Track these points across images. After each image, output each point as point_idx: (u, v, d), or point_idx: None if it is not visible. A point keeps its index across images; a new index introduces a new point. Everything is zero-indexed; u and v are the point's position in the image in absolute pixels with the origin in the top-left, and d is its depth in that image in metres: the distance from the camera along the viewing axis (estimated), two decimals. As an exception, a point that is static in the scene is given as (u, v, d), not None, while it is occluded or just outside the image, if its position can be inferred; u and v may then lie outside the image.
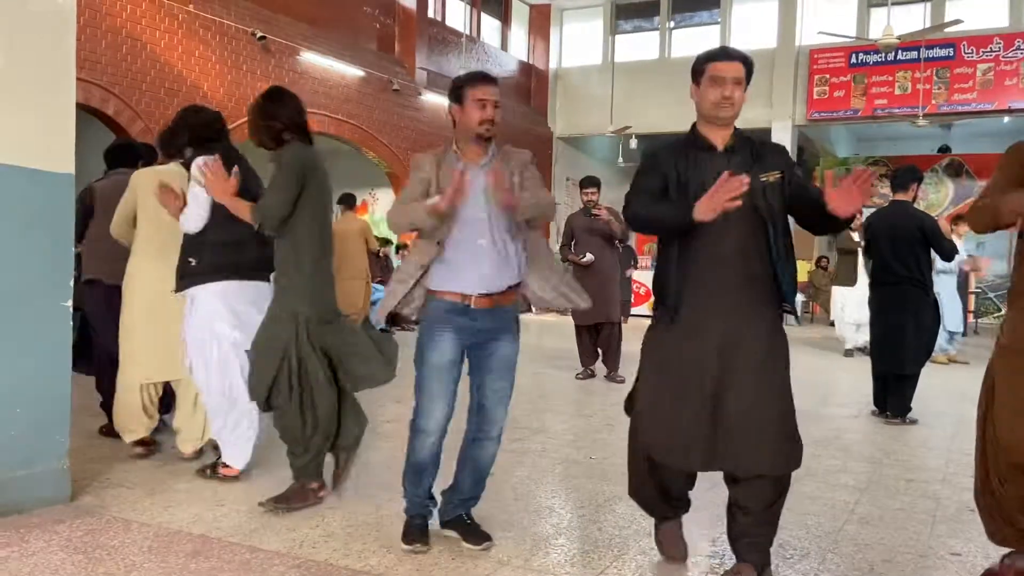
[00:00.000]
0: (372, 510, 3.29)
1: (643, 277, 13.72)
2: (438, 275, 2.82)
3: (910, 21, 13.57)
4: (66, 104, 3.28)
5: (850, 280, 9.39)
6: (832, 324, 11.54)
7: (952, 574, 2.84)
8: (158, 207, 3.72)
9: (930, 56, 14.12)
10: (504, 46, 16.91)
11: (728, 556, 2.89)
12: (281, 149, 3.32)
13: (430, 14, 14.48)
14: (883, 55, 14.19)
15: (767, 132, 15.08)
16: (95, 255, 4.32)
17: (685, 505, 2.86)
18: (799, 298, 14.83)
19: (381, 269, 11.69)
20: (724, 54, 2.62)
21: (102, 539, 2.89)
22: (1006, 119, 14.46)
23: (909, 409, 5.53)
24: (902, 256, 5.43)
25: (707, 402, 2.50)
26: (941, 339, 7.72)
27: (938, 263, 5.85)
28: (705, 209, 2.37)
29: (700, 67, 2.63)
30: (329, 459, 3.50)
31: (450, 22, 15.21)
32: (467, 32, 15.15)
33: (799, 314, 3.19)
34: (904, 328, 5.41)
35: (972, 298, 12.88)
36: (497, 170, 2.72)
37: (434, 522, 3.00)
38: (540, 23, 17.66)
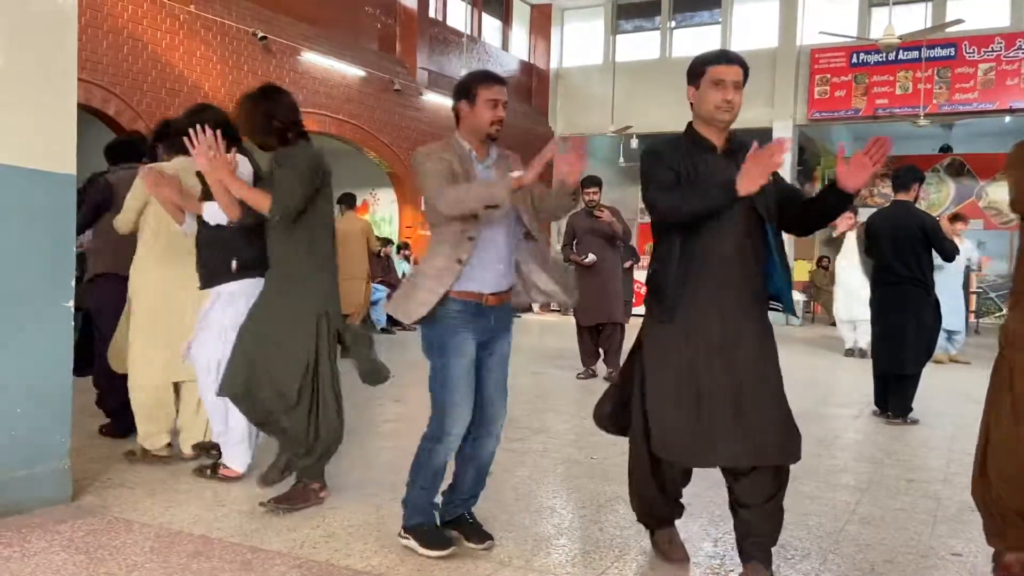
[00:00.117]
0: (373, 510, 3.29)
1: (644, 277, 13.65)
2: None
3: (911, 21, 13.57)
4: (67, 104, 3.28)
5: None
6: (833, 324, 11.56)
7: (953, 574, 2.83)
8: None
9: (931, 56, 14.12)
10: (505, 46, 16.91)
11: (728, 556, 2.90)
12: (287, 147, 3.28)
13: (431, 14, 14.49)
14: (884, 55, 14.19)
15: (768, 132, 15.08)
16: (109, 248, 4.23)
17: (681, 509, 2.88)
18: (800, 297, 14.85)
19: (382, 269, 11.70)
20: (724, 58, 2.63)
21: (103, 539, 2.89)
22: (1007, 119, 14.45)
23: (910, 409, 5.53)
24: (903, 256, 5.43)
25: (715, 399, 2.52)
26: (940, 338, 7.74)
27: (940, 262, 5.84)
28: (750, 181, 2.39)
29: (699, 70, 2.64)
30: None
31: (451, 22, 15.21)
32: (468, 32, 15.15)
33: (798, 313, 3.17)
34: (905, 328, 5.41)
35: (973, 298, 12.86)
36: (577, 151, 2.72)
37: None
38: (541, 23, 17.66)
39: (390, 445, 4.60)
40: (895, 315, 5.46)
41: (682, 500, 2.88)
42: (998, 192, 16.60)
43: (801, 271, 16.02)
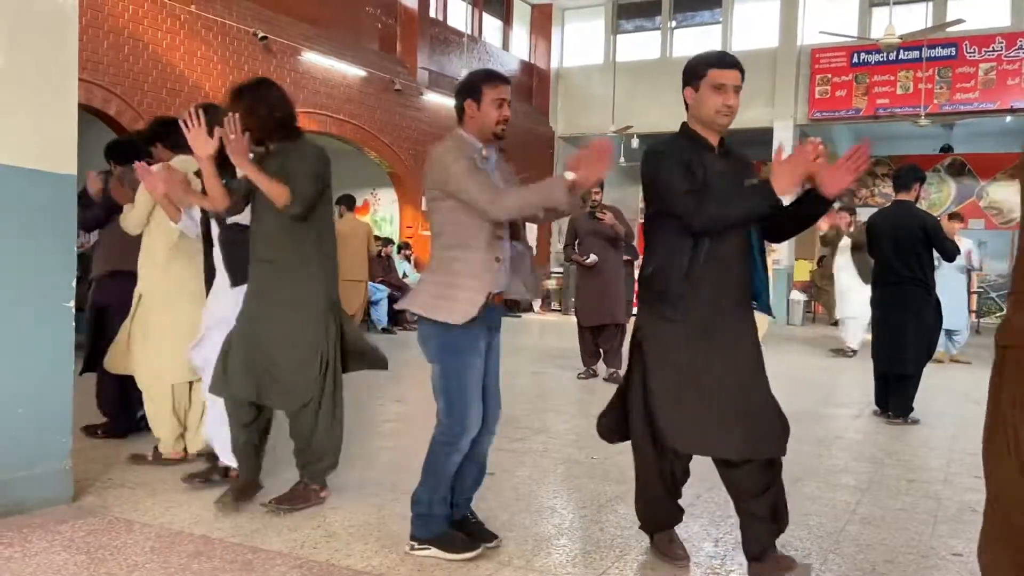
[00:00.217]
0: (374, 510, 3.30)
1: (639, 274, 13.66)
2: None
3: (912, 20, 13.55)
4: (68, 105, 3.28)
5: (865, 277, 9.44)
6: (835, 324, 11.56)
7: (954, 574, 2.84)
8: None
9: (932, 56, 14.10)
10: (506, 46, 16.91)
11: (729, 556, 2.90)
12: (289, 141, 3.24)
13: (432, 14, 14.48)
14: (885, 55, 14.17)
15: (769, 132, 15.08)
16: (118, 246, 4.20)
17: (681, 513, 2.89)
18: (801, 297, 14.86)
19: (383, 269, 11.70)
20: (724, 61, 2.64)
21: (104, 539, 2.89)
22: (1008, 119, 14.43)
23: (911, 409, 5.53)
24: (904, 256, 5.43)
25: (720, 396, 2.57)
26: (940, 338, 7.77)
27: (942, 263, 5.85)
28: (786, 182, 2.42)
29: (699, 72, 2.64)
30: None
31: (452, 22, 15.21)
32: (469, 32, 15.15)
33: (774, 313, 3.27)
34: (905, 328, 5.41)
35: (974, 297, 12.86)
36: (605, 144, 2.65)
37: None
38: (542, 23, 17.66)
39: (391, 445, 4.60)
40: (895, 315, 5.46)
41: (681, 503, 2.88)
42: (999, 192, 16.60)
43: (802, 271, 16.01)
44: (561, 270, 15.73)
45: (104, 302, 4.34)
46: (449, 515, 2.87)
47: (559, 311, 15.72)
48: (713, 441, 2.58)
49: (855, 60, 14.85)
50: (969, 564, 2.90)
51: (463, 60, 14.28)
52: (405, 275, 12.49)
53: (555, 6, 17.57)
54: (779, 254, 14.09)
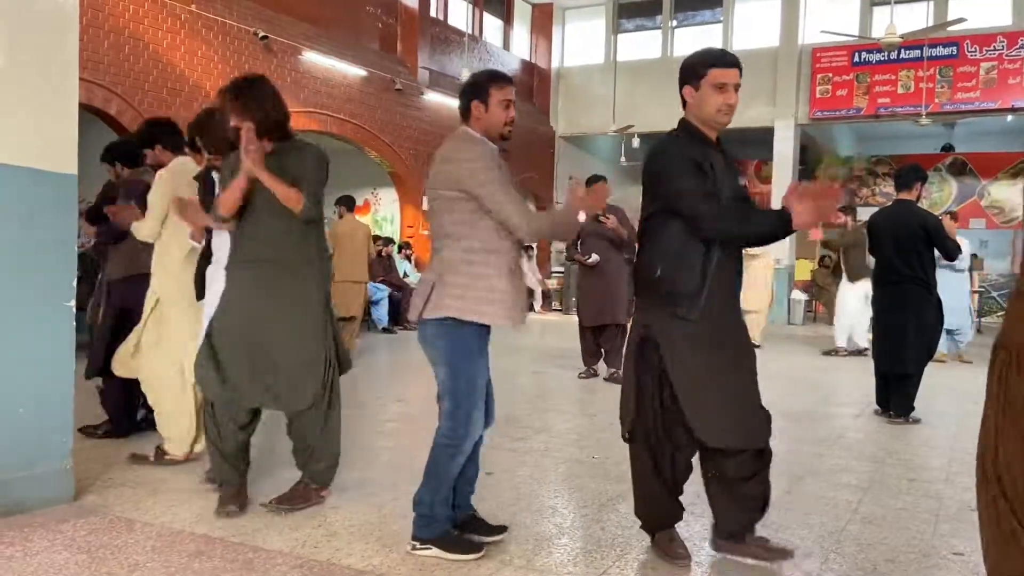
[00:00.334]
0: (374, 510, 3.30)
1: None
2: None
3: (913, 20, 13.53)
4: (68, 104, 3.28)
5: (859, 274, 9.45)
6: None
7: (955, 574, 2.83)
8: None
9: (933, 55, 14.09)
10: (506, 45, 16.90)
11: (730, 556, 2.89)
12: (288, 140, 3.22)
13: (432, 13, 14.48)
14: (886, 54, 14.15)
15: (770, 131, 15.08)
16: (139, 248, 4.15)
17: (682, 510, 2.90)
18: (802, 297, 14.87)
19: (384, 269, 11.70)
20: (725, 60, 2.66)
21: (105, 539, 2.89)
22: (1009, 118, 14.43)
23: (912, 408, 5.52)
24: (905, 255, 5.42)
25: (740, 388, 2.73)
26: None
27: (942, 262, 5.83)
28: (808, 220, 2.49)
29: (699, 71, 2.66)
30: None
31: (452, 21, 15.20)
32: (469, 31, 15.14)
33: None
34: (905, 327, 5.40)
35: (975, 297, 12.86)
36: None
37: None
38: (542, 22, 17.65)
39: (391, 445, 4.60)
40: (896, 314, 5.45)
41: (682, 500, 2.88)
42: (1000, 191, 16.59)
43: (803, 270, 16.00)
44: (562, 270, 15.73)
45: (127, 305, 4.29)
46: (451, 516, 2.87)
47: (560, 311, 15.72)
48: (737, 432, 2.70)
49: (856, 59, 14.84)
50: (970, 563, 2.89)
51: (464, 60, 14.27)
52: (406, 275, 12.50)
53: (556, 5, 17.56)
54: (780, 253, 14.11)
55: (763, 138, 15.15)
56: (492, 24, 16.61)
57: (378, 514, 3.24)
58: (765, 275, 9.55)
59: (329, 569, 2.68)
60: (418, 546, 2.80)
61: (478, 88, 2.76)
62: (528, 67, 17.32)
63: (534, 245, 3.34)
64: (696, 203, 2.59)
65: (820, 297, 14.95)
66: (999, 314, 15.56)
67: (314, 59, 11.66)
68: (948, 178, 17.07)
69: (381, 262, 11.61)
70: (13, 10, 3.07)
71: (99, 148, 4.73)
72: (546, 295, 16.10)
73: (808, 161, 17.33)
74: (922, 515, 3.47)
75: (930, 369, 5.71)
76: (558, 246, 16.69)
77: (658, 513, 2.86)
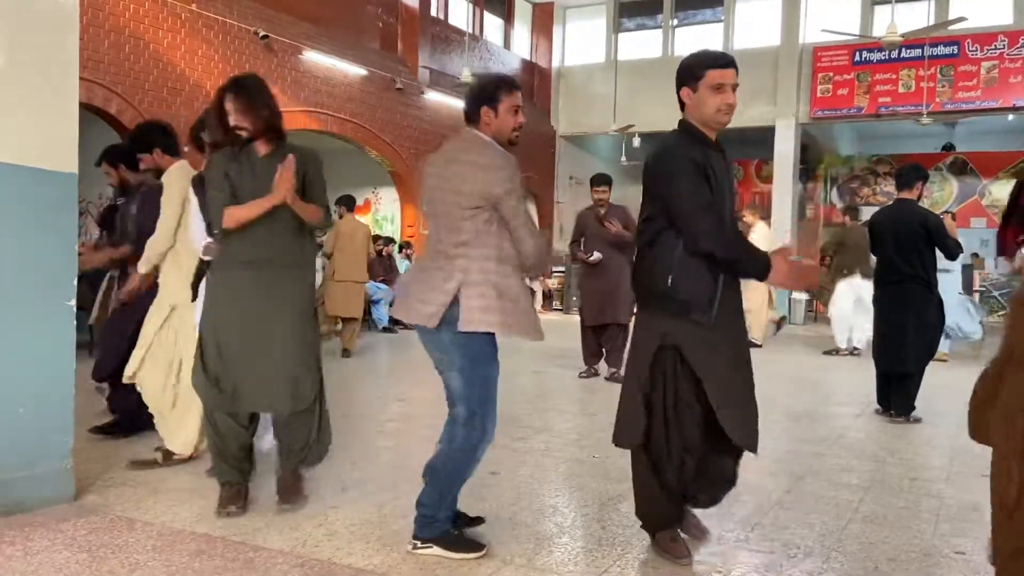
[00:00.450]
0: (375, 509, 3.29)
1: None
2: None
3: (914, 19, 13.52)
4: (69, 104, 3.28)
5: (851, 271, 9.47)
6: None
7: (956, 573, 2.83)
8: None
9: (934, 54, 14.08)
10: (507, 44, 16.90)
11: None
12: (280, 143, 3.21)
13: (433, 13, 14.48)
14: (887, 53, 14.14)
15: (770, 131, 15.06)
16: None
17: (683, 509, 2.91)
18: (804, 296, 14.85)
19: (384, 268, 11.70)
20: (722, 61, 2.68)
21: (106, 538, 2.89)
22: (1010, 117, 14.43)
23: (913, 408, 5.52)
24: (906, 254, 5.42)
25: (750, 390, 2.81)
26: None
27: (943, 261, 5.82)
28: (783, 284, 2.78)
29: (697, 73, 2.67)
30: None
31: (453, 20, 15.20)
32: (470, 31, 15.13)
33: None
34: (905, 327, 5.40)
35: (976, 297, 12.85)
36: None
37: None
38: (543, 21, 17.65)
39: (391, 444, 4.60)
40: (896, 314, 5.45)
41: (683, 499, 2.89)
42: (1001, 190, 16.58)
43: (804, 270, 15.96)
44: (563, 269, 15.72)
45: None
46: (451, 516, 2.87)
47: (561, 310, 15.72)
48: (754, 434, 2.78)
49: (857, 58, 14.83)
50: (972, 562, 2.89)
51: (464, 59, 14.27)
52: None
53: (556, 4, 17.56)
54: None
55: (763, 137, 15.14)
56: (493, 23, 16.61)
57: (378, 513, 3.24)
58: None
59: (330, 568, 2.68)
60: (419, 545, 2.80)
61: (488, 94, 2.74)
62: (529, 66, 17.32)
63: None
64: (698, 213, 2.61)
65: (820, 297, 14.93)
66: (1000, 313, 15.56)
67: (314, 58, 11.66)
68: (949, 177, 17.07)
69: (381, 262, 11.60)
70: (13, 10, 3.07)
71: (99, 147, 4.72)
72: (547, 295, 16.09)
73: (809, 160, 17.33)
74: (923, 514, 3.46)
75: (931, 368, 5.70)
76: (559, 245, 16.68)
77: (659, 514, 2.86)
